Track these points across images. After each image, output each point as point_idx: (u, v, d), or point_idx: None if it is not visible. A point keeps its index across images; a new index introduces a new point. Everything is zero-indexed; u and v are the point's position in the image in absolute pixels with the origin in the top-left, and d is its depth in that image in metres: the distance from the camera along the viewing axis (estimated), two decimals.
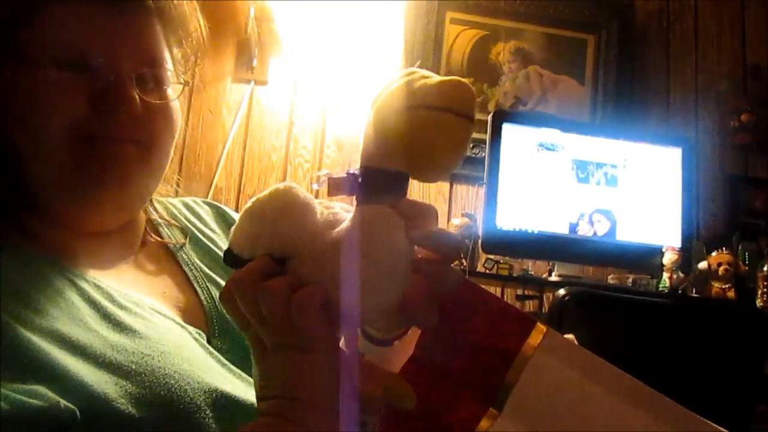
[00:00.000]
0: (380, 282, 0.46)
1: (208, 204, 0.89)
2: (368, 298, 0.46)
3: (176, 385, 0.57)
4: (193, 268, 0.75)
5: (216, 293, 0.73)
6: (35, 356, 0.53)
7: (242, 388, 0.63)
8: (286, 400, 0.48)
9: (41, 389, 0.51)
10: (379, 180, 0.48)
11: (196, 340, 0.65)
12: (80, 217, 0.69)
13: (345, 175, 0.49)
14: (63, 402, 0.51)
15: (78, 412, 0.51)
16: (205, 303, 0.71)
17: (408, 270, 0.47)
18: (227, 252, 0.52)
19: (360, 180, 0.49)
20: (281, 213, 0.50)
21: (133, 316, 0.62)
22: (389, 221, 0.47)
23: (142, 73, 0.68)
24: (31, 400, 0.50)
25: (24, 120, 0.65)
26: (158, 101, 0.69)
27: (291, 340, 0.48)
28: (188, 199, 0.88)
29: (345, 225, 0.48)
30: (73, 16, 0.65)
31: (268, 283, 0.47)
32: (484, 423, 0.49)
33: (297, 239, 0.49)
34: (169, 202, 0.83)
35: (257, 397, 0.50)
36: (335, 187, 0.49)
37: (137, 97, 0.67)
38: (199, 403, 0.57)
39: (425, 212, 0.50)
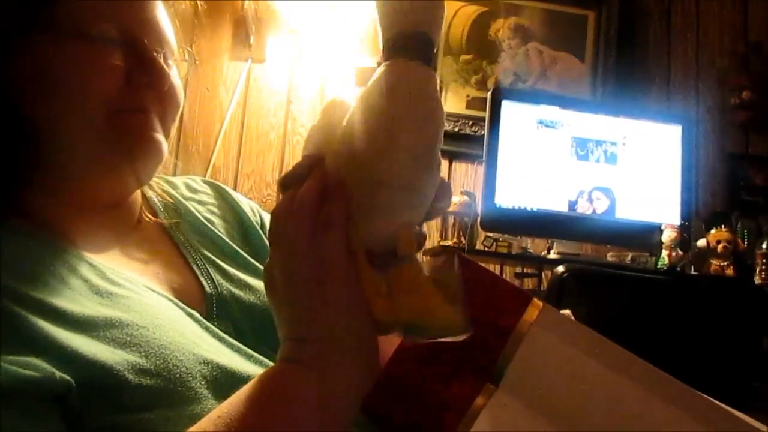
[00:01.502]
0: (417, 126, 0.47)
1: (209, 183, 0.88)
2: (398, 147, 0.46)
3: (172, 356, 0.57)
4: (190, 248, 0.74)
5: (215, 274, 0.72)
6: (29, 329, 0.53)
7: (239, 362, 0.62)
8: (300, 342, 0.50)
9: (36, 361, 0.51)
10: (403, 42, 0.48)
11: (190, 315, 0.65)
12: (98, 189, 0.70)
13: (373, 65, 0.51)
14: (58, 373, 0.51)
15: (73, 383, 0.52)
16: (204, 284, 0.71)
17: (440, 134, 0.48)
18: None
19: (386, 45, 0.49)
20: (320, 116, 0.53)
21: (126, 291, 0.62)
22: (420, 72, 0.47)
23: (162, 49, 0.70)
24: (26, 371, 0.50)
25: (58, 92, 0.65)
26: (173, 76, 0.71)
27: (308, 269, 0.49)
28: (189, 179, 0.87)
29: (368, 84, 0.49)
30: None
31: (296, 199, 0.49)
32: (480, 399, 0.48)
33: (331, 126, 0.51)
34: (168, 181, 0.83)
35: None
36: (362, 76, 0.52)
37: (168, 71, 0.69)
38: (195, 373, 0.57)
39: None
